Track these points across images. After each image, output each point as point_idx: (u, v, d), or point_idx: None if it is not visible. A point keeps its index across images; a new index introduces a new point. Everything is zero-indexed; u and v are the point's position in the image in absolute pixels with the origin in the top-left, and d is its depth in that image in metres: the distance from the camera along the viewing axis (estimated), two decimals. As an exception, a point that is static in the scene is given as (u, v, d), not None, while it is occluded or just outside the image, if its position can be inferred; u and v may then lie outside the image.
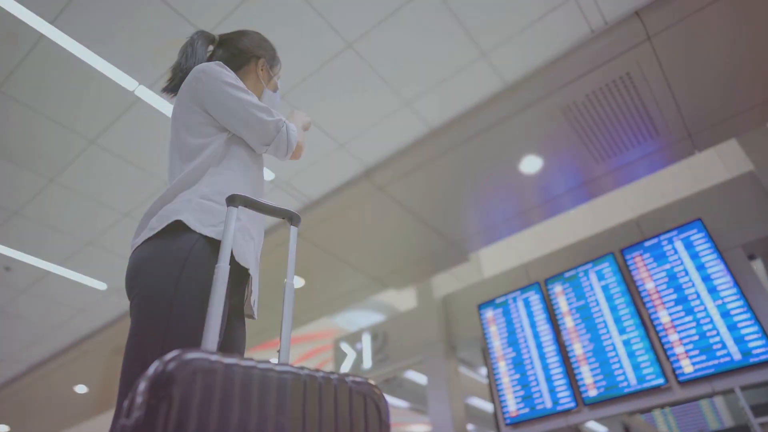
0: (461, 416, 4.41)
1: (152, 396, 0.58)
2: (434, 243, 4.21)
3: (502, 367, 4.11)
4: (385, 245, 4.22)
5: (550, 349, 3.90)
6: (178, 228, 1.01)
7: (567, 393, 3.68)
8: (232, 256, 1.01)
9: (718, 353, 3.16)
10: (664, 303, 3.49)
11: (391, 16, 2.55)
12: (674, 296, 3.47)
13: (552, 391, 3.76)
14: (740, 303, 3.18)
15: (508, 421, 3.90)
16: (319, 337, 7.60)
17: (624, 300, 3.68)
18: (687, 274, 3.47)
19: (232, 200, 0.95)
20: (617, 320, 3.65)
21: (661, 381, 3.30)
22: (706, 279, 3.38)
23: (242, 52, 1.36)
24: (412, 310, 5.27)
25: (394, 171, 3.42)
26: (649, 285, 3.61)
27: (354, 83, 2.88)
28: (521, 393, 3.91)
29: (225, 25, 2.50)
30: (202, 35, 1.35)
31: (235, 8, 2.45)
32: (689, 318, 3.35)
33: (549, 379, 3.81)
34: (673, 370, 3.30)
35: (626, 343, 3.54)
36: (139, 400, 0.58)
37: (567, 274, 4.06)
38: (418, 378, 5.62)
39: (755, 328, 3.08)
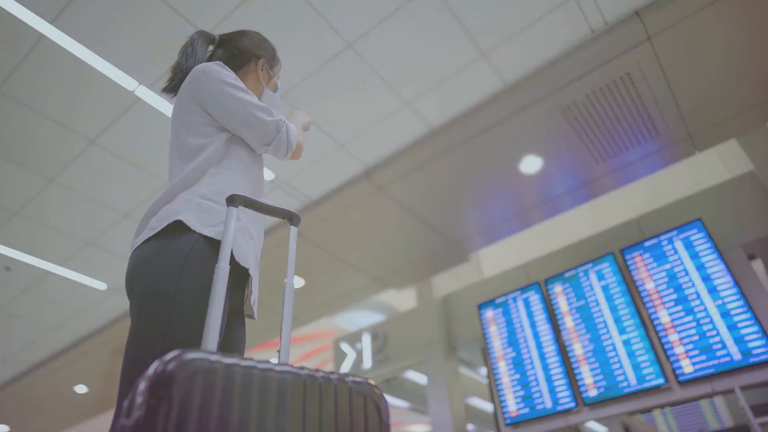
0: (461, 416, 4.41)
1: (152, 396, 0.58)
2: (434, 243, 4.21)
3: (502, 367, 4.11)
4: (385, 245, 4.22)
5: (550, 349, 3.90)
6: (178, 228, 1.01)
7: (567, 393, 3.68)
8: (232, 256, 1.01)
9: (718, 353, 3.16)
10: (664, 303, 3.49)
11: (391, 16, 2.55)
12: (674, 296, 3.47)
13: (552, 391, 3.76)
14: (740, 303, 3.18)
15: (508, 421, 3.91)
16: (319, 337, 7.60)
17: (624, 300, 3.68)
18: (687, 274, 3.47)
19: (232, 200, 0.95)
20: (617, 320, 3.65)
21: (661, 381, 3.30)
22: (706, 279, 3.38)
23: (242, 52, 1.36)
24: (412, 310, 5.27)
25: (394, 171, 3.42)
26: (649, 285, 3.61)
27: (354, 83, 2.88)
28: (521, 393, 3.91)
29: (225, 25, 2.50)
30: (202, 35, 1.35)
31: (235, 8, 2.45)
32: (689, 318, 3.35)
33: (549, 379, 3.81)
34: (673, 370, 3.30)
35: (626, 343, 3.54)
36: (139, 400, 0.58)
37: (567, 274, 4.06)
38: (418, 378, 5.63)
39: (755, 328, 3.08)
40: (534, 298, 4.17)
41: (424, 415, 6.23)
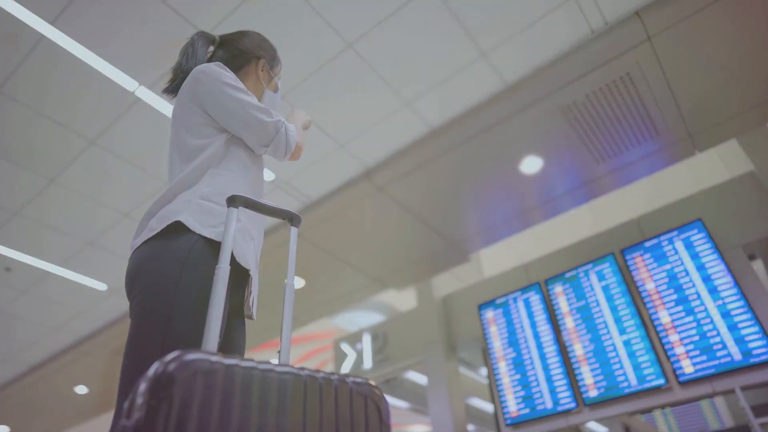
0: (461, 416, 4.41)
1: (153, 397, 0.58)
2: (434, 243, 4.21)
3: (503, 367, 4.11)
4: (385, 245, 4.22)
5: (550, 349, 3.90)
6: (177, 229, 1.01)
7: (567, 393, 3.68)
8: (232, 257, 1.01)
9: (719, 353, 3.16)
10: (664, 303, 3.49)
11: (391, 16, 2.55)
12: (675, 296, 3.46)
13: (552, 391, 3.75)
14: (740, 303, 3.18)
15: (508, 421, 3.90)
16: (319, 338, 7.60)
17: (624, 300, 3.68)
18: (687, 274, 3.47)
19: (232, 201, 0.95)
20: (618, 320, 3.65)
21: (661, 381, 3.30)
22: (707, 279, 3.38)
23: (243, 52, 1.36)
24: (412, 311, 5.27)
25: (394, 171, 3.42)
26: (650, 285, 3.61)
27: (354, 83, 2.88)
28: (522, 393, 3.91)
29: (225, 26, 2.50)
30: (203, 36, 1.35)
31: (235, 8, 2.45)
32: (690, 318, 3.35)
33: (549, 379, 3.81)
34: (674, 371, 3.29)
35: (627, 344, 3.54)
36: (139, 400, 0.58)
37: (567, 275, 4.06)
38: (419, 378, 5.63)
39: (755, 329, 3.08)
40: (534, 298, 4.17)
41: (425, 416, 6.24)
